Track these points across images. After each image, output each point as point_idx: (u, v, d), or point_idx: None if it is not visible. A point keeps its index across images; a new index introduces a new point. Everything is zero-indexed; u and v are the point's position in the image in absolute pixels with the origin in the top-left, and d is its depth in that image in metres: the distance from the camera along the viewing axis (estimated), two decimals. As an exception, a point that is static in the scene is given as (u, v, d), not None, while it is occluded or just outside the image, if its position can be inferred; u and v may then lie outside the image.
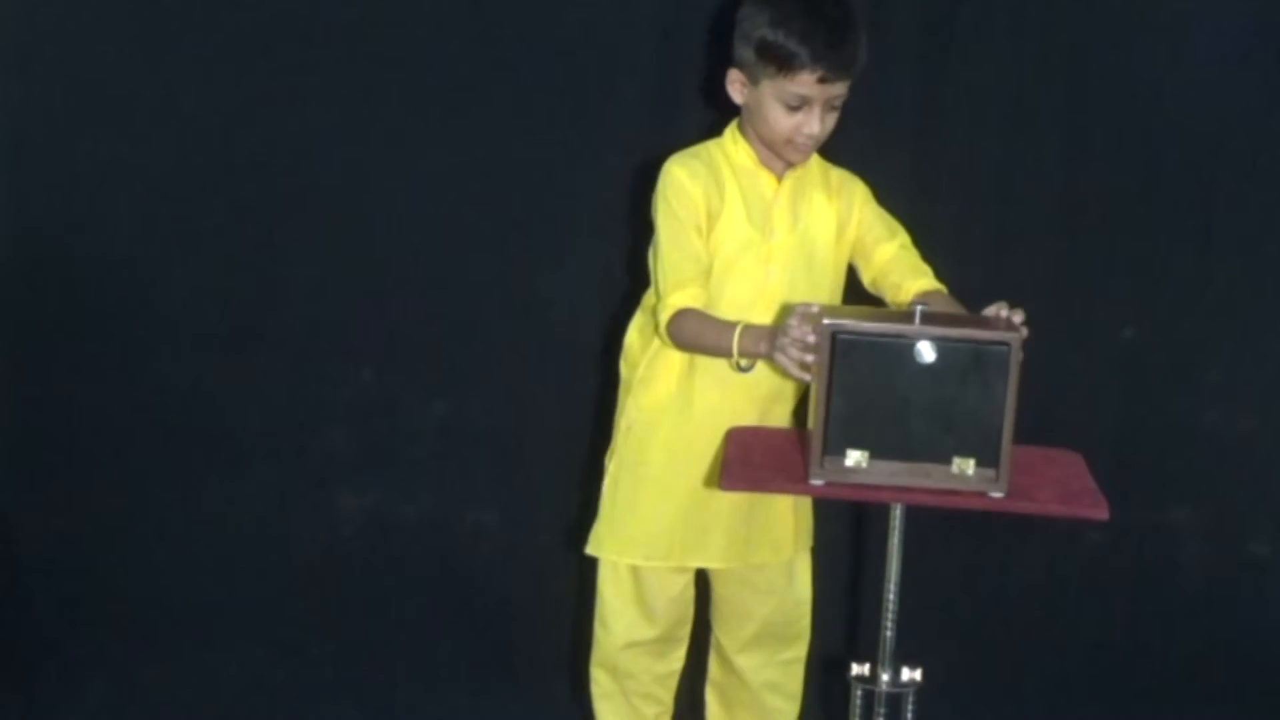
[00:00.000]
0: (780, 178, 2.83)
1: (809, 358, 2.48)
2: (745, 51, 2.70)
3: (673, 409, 2.86)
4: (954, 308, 2.82)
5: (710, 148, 2.83)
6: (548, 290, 3.45)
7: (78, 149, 3.42)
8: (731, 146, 2.81)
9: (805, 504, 3.04)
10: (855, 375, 2.47)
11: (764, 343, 2.60)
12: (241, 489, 3.53)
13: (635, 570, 2.94)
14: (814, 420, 2.50)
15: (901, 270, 2.87)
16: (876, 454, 2.51)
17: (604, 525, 2.94)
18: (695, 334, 2.71)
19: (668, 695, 3.06)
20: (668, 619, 2.96)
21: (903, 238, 2.92)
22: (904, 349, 2.46)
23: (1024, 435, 2.65)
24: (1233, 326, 3.55)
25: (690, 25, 3.25)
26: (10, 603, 3.53)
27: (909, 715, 2.77)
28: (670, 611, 2.96)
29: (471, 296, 3.46)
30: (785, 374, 2.58)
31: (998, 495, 2.50)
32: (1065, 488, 2.58)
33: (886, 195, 3.46)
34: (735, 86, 2.76)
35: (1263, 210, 3.51)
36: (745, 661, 3.05)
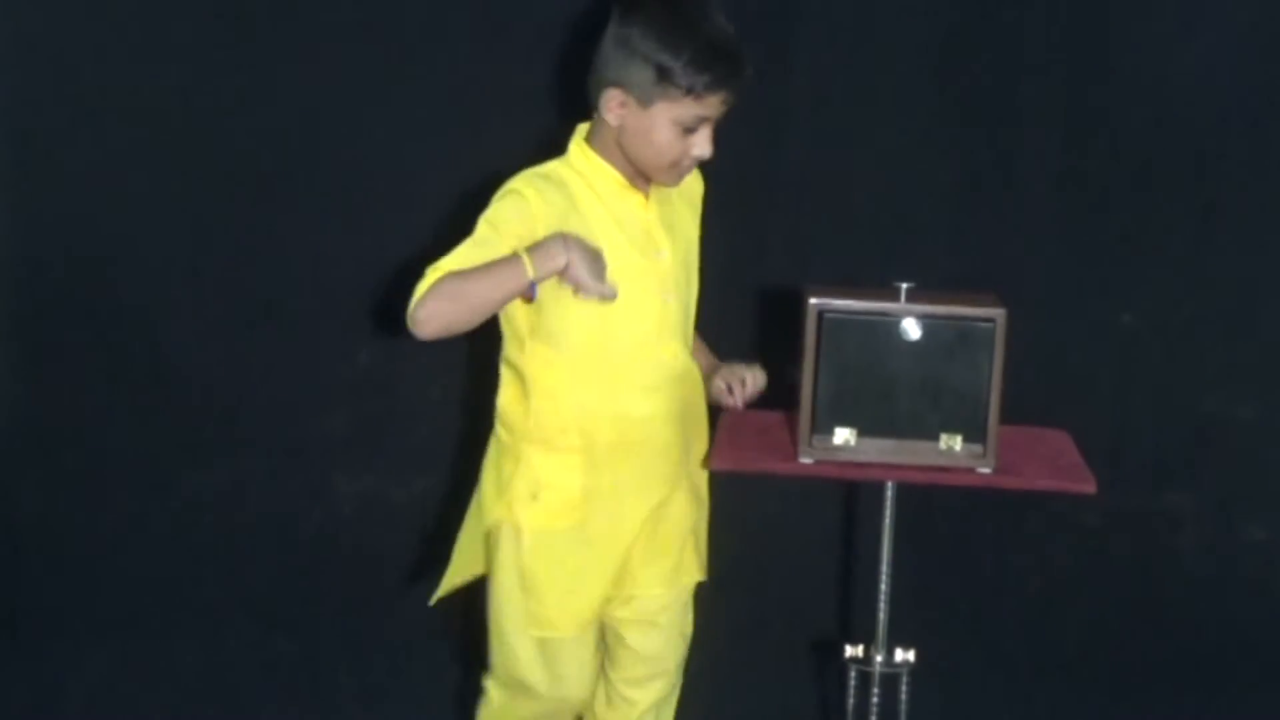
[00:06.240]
0: (647, 195, 2.61)
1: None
2: (638, 73, 2.47)
3: (584, 462, 2.62)
4: (706, 354, 2.77)
5: (561, 171, 2.57)
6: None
7: (79, 141, 3.45)
8: (589, 167, 2.56)
9: (704, 529, 2.86)
10: (841, 353, 2.49)
11: (560, 257, 2.40)
12: (240, 471, 3.56)
13: (544, 642, 2.70)
14: (802, 400, 2.52)
15: None
16: (864, 432, 2.53)
17: (532, 600, 2.65)
18: (461, 282, 2.41)
19: None
20: (584, 687, 2.75)
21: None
22: (890, 326, 2.48)
23: (1021, 420, 2.66)
24: (1231, 313, 3.55)
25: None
26: (14, 583, 3.56)
27: (903, 696, 2.78)
28: (586, 678, 2.75)
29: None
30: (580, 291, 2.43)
31: (986, 471, 2.51)
32: (1053, 464, 2.59)
33: (884, 181, 3.49)
34: (613, 107, 2.51)
35: (1261, 196, 3.52)
36: (638, 694, 2.83)
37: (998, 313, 2.49)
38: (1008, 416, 2.57)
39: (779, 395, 2.71)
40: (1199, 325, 3.55)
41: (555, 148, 2.63)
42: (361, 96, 3.42)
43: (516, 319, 2.60)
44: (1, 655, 3.49)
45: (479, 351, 3.52)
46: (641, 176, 2.58)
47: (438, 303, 2.42)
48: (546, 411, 2.61)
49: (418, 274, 2.43)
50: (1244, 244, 3.53)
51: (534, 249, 2.43)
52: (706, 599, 3.07)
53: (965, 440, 2.51)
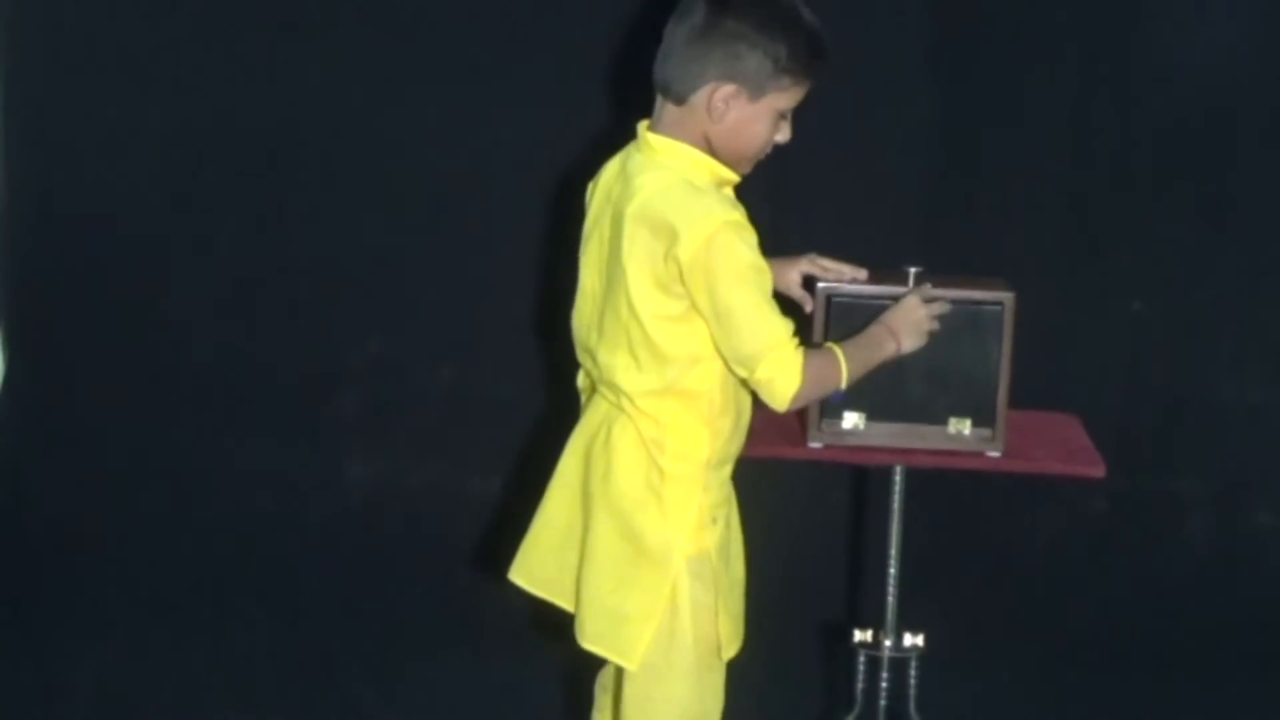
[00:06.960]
0: None
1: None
2: (755, 65, 2.43)
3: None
4: None
5: (699, 185, 2.46)
6: (553, 260, 3.47)
7: (94, 121, 3.46)
8: (716, 173, 2.48)
9: None
10: (850, 337, 2.48)
11: (893, 339, 2.47)
12: (250, 458, 3.56)
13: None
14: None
15: None
16: (873, 416, 2.54)
17: (724, 623, 2.54)
18: (819, 384, 2.42)
19: None
20: None
21: None
22: (898, 311, 2.48)
23: (1031, 404, 2.66)
24: (1241, 299, 3.55)
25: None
26: (23, 567, 3.57)
27: (912, 681, 2.79)
28: None
29: (478, 267, 3.48)
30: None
31: (995, 455, 2.52)
32: (1062, 448, 2.60)
33: (896, 170, 3.49)
34: (722, 101, 2.44)
35: (1273, 184, 3.51)
36: None
37: (1006, 296, 2.50)
38: (1017, 401, 2.58)
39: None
40: (1209, 312, 3.55)
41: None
42: (375, 83, 3.42)
43: (692, 341, 2.44)
44: (10, 646, 3.49)
45: (488, 338, 3.55)
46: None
47: (811, 392, 2.41)
48: (729, 428, 2.50)
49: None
50: (1255, 231, 3.53)
51: (851, 357, 2.43)
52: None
53: (974, 424, 2.52)
